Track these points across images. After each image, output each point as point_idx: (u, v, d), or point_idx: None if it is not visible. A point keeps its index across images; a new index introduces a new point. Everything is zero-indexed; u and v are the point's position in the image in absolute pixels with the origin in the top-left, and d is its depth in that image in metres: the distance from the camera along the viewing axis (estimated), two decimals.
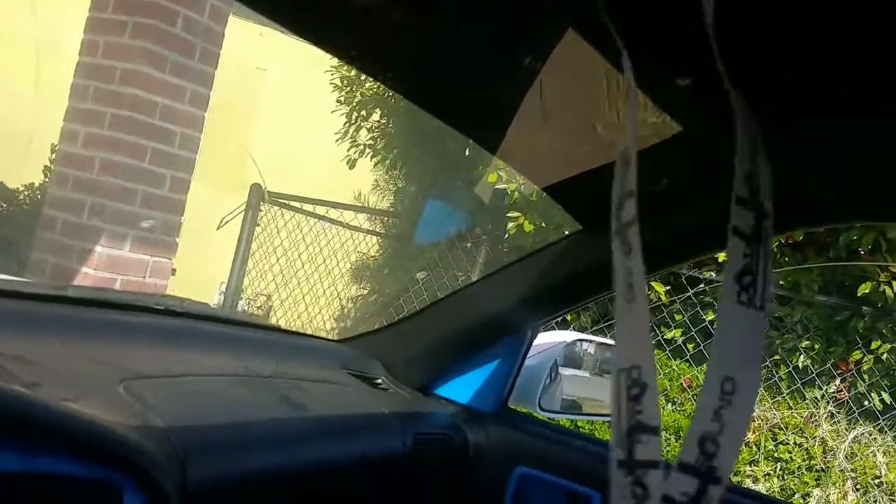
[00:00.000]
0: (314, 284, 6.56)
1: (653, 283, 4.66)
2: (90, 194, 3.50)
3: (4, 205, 5.47)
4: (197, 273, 6.05)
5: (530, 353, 1.56)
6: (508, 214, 5.13)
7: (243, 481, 1.04)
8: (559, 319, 5.10)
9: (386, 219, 6.81)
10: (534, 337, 1.52)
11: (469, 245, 5.62)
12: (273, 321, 6.88)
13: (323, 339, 1.64)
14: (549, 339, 1.59)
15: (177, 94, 3.66)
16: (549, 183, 1.35)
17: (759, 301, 0.50)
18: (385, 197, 7.18)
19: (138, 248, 3.56)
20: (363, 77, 6.31)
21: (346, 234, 6.28)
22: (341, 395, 1.37)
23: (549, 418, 1.67)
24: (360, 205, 6.89)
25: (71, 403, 0.89)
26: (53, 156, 3.92)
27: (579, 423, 3.94)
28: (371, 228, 6.79)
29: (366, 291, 7.22)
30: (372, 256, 7.04)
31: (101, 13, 3.69)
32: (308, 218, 6.12)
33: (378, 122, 6.60)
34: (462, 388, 1.56)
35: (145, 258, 3.60)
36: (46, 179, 4.96)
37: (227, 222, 5.82)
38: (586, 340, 1.71)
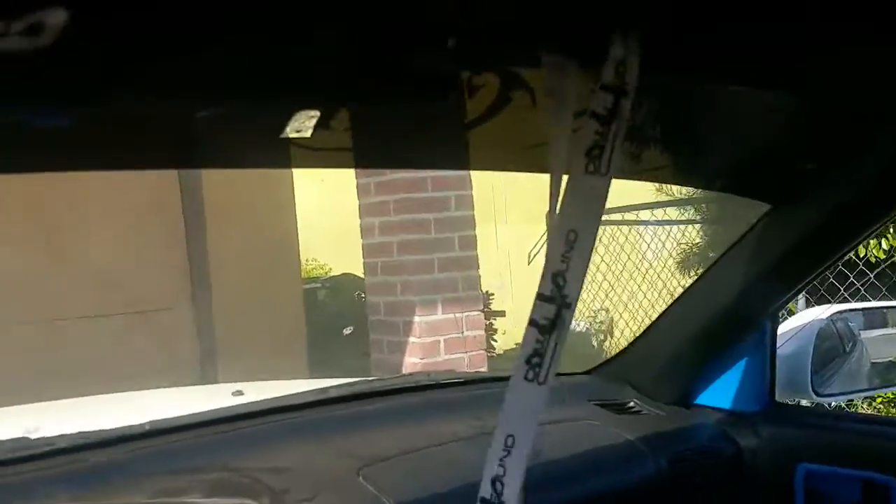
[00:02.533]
0: (647, 287, 6.51)
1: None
2: (396, 274, 3.89)
3: (362, 294, 6.17)
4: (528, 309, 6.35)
5: (786, 340, 1.44)
6: None
7: None
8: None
9: (696, 205, 6.55)
10: (775, 324, 1.40)
11: None
12: (616, 333, 6.94)
13: (569, 374, 1.67)
14: (800, 320, 1.45)
15: None
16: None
17: (542, 378, 0.61)
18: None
19: (449, 309, 3.87)
20: None
21: (660, 230, 6.16)
22: (581, 432, 1.38)
23: (828, 403, 1.51)
24: (665, 199, 6.72)
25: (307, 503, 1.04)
26: None
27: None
28: (683, 217, 6.57)
29: (696, 276, 6.98)
30: (694, 243, 6.81)
31: None
32: (618, 227, 6.11)
33: None
34: (722, 393, 1.48)
35: (458, 316, 3.89)
36: None
37: (535, 256, 6.04)
38: (848, 311, 1.53)
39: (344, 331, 4.00)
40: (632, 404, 1.51)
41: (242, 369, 4.07)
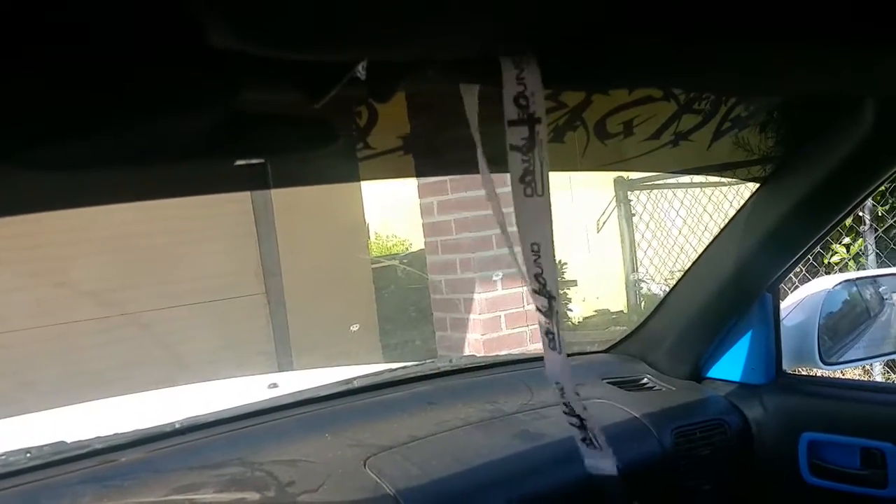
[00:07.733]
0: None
1: None
2: (455, 253, 3.95)
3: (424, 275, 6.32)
4: (604, 274, 6.33)
5: (791, 311, 1.45)
6: None
7: None
8: None
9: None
10: (777, 297, 1.41)
11: None
12: None
13: (586, 353, 1.70)
14: (807, 291, 1.45)
15: None
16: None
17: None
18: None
19: (509, 284, 3.91)
20: None
21: (744, 189, 5.98)
22: (590, 412, 1.42)
23: (840, 371, 1.51)
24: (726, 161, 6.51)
25: (310, 494, 1.13)
26: None
27: None
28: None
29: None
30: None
31: None
32: (700, 188, 5.91)
33: None
34: (732, 366, 1.50)
35: (519, 290, 3.93)
36: None
37: (604, 224, 6.01)
38: (857, 278, 1.51)
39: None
40: (645, 380, 1.54)
41: (315, 352, 4.24)
